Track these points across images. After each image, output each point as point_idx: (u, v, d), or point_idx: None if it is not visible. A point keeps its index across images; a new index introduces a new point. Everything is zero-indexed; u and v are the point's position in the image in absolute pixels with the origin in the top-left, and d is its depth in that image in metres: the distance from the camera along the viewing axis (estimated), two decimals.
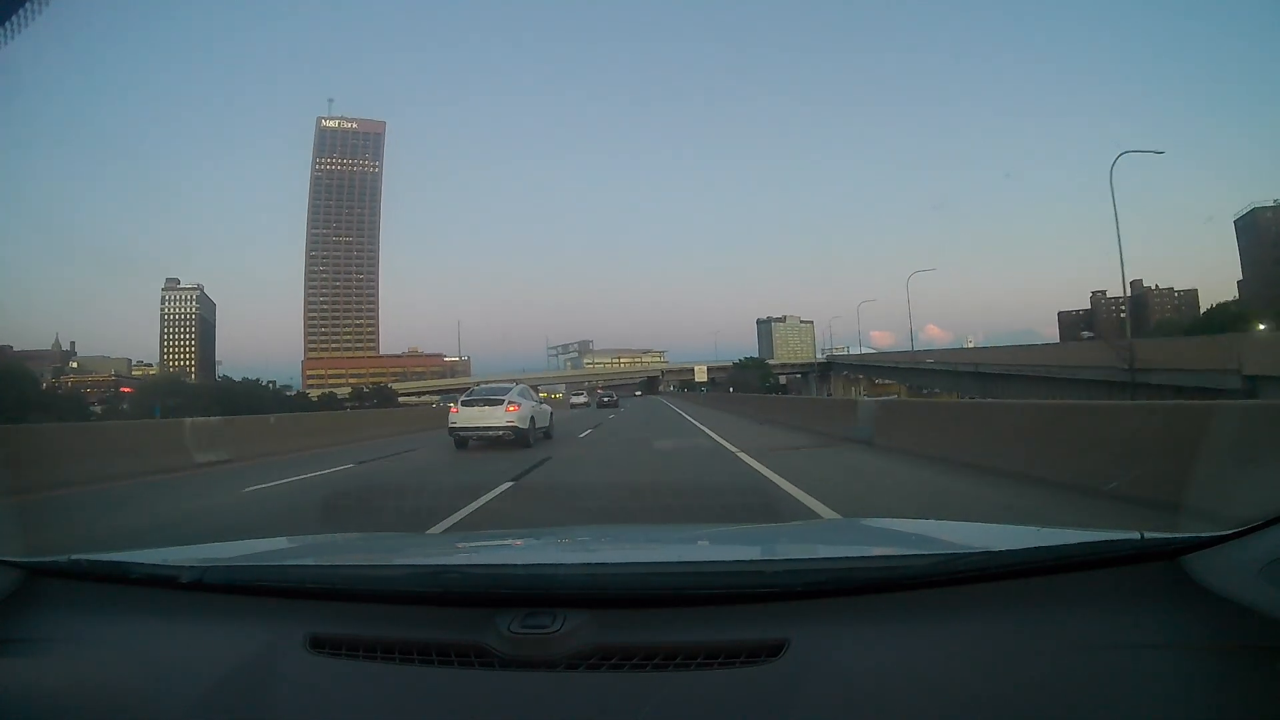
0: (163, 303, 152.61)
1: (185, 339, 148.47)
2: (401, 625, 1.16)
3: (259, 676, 1.10)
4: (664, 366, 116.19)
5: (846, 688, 0.99)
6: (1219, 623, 1.05)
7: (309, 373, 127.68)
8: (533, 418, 11.99)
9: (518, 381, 13.94)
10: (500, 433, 11.35)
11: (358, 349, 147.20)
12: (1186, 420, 4.68)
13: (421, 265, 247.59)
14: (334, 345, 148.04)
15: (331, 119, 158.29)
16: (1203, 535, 1.12)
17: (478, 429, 11.45)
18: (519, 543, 2.09)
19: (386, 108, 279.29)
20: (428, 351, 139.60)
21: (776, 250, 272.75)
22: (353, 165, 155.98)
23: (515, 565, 1.51)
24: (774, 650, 1.05)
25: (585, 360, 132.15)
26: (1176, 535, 1.17)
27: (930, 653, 1.04)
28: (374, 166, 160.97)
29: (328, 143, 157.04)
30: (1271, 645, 1.01)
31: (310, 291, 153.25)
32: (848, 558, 1.41)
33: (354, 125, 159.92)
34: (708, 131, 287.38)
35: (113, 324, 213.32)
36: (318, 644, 1.13)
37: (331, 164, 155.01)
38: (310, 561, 1.60)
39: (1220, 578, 1.08)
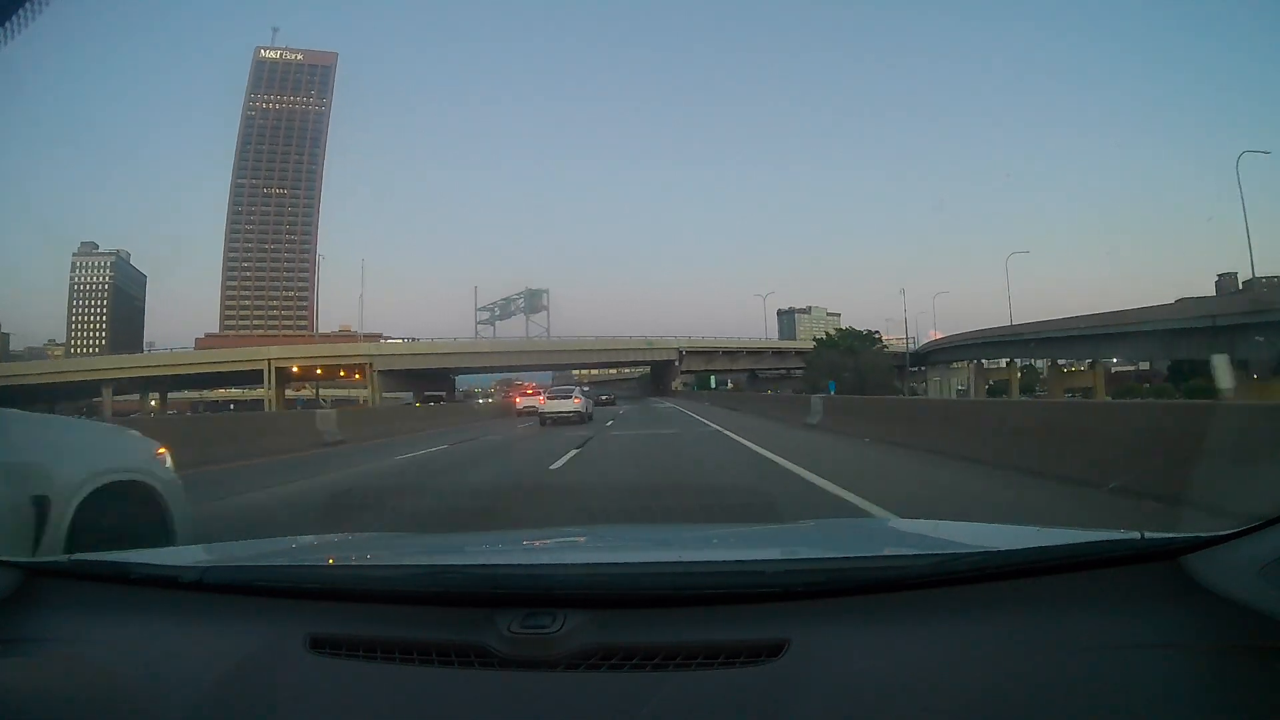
0: (73, 270, 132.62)
1: (99, 313, 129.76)
2: (402, 625, 1.22)
3: (259, 676, 1.15)
4: (687, 346, 71.66)
5: (846, 688, 1.03)
6: (1219, 623, 1.09)
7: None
8: (587, 406, 22.41)
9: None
10: (570, 415, 20.37)
11: (287, 326, 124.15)
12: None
13: (374, 230, 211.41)
14: (259, 321, 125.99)
15: (273, 49, 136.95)
16: (1203, 535, 1.19)
17: (557, 413, 20.62)
18: (519, 543, 2.18)
19: (343, 43, 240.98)
20: (368, 332, 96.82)
21: (780, 245, 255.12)
22: (293, 103, 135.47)
23: (515, 565, 1.61)
24: (774, 650, 1.09)
25: (554, 332, 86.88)
26: (1176, 535, 1.24)
27: (930, 653, 1.08)
28: (319, 105, 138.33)
29: (265, 77, 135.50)
30: (1271, 645, 1.03)
31: (231, 255, 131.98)
32: (848, 558, 1.49)
33: (298, 56, 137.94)
34: (703, 108, 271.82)
35: (20, 295, 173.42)
36: (318, 644, 1.19)
37: (268, 102, 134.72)
38: (310, 561, 1.69)
39: (1220, 578, 1.14)
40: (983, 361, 65.57)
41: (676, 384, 68.22)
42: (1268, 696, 0.97)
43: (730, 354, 73.50)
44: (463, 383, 74.18)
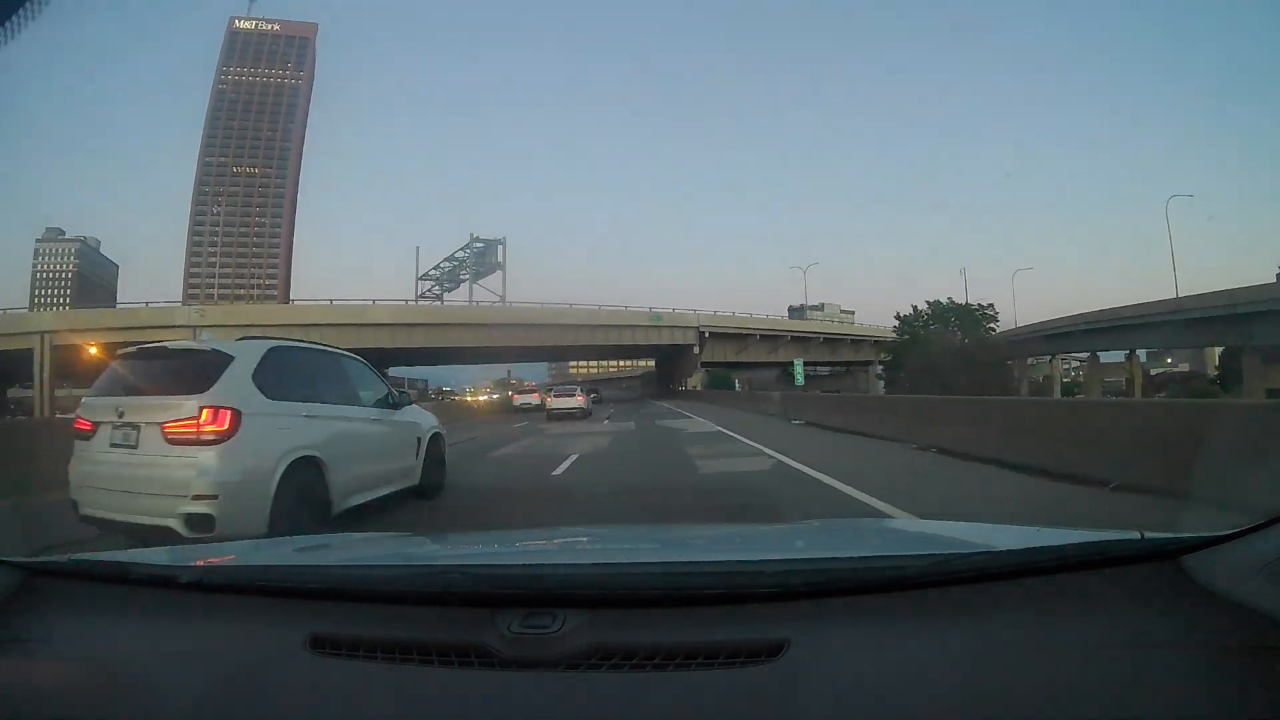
0: (35, 258, 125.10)
1: (61, 304, 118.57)
2: (402, 625, 1.25)
3: (259, 676, 1.17)
4: (710, 325, 51.04)
5: (846, 688, 1.06)
6: (1219, 623, 1.10)
7: None
8: (588, 403, 27.30)
9: None
10: (573, 410, 24.72)
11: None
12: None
13: (346, 213, 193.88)
14: (224, 301, 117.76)
15: (248, 20, 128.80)
16: (1203, 535, 1.22)
17: (563, 408, 24.89)
18: (520, 543, 2.22)
19: (321, 11, 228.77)
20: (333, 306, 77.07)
21: (787, 243, 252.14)
22: (269, 76, 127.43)
23: (515, 565, 1.65)
24: (774, 650, 1.10)
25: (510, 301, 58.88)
26: (1176, 535, 1.27)
27: (930, 653, 1.10)
28: (297, 79, 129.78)
29: (239, 48, 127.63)
30: (1271, 645, 1.04)
31: (196, 236, 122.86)
32: (848, 558, 1.52)
33: (275, 27, 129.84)
34: (711, 93, 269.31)
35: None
36: (318, 644, 1.22)
37: (241, 74, 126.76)
38: (310, 561, 1.72)
39: (1220, 578, 1.16)
40: (1098, 356, 49.59)
41: (694, 380, 50.16)
42: (1268, 696, 0.98)
43: (769, 339, 53.97)
44: (440, 378, 56.29)
